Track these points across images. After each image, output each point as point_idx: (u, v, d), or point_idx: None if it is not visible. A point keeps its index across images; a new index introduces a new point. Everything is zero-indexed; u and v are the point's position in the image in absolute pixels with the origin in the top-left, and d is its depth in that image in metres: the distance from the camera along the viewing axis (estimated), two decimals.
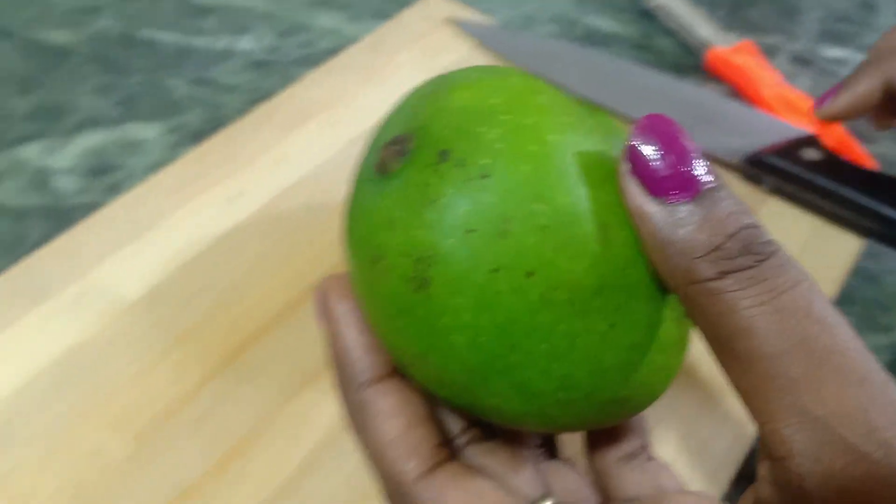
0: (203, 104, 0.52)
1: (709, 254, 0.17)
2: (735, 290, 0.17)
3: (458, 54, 0.54)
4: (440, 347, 0.19)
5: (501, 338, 0.18)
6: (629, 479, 0.23)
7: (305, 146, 0.48)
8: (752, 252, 0.17)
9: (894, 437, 0.16)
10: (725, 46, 0.57)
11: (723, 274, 0.17)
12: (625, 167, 0.18)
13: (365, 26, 0.58)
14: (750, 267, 0.17)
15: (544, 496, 0.21)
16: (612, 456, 0.24)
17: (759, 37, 0.61)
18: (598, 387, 0.19)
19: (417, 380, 0.21)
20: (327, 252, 0.43)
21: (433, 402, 0.23)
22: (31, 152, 0.48)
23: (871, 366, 0.17)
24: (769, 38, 0.62)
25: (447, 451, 0.21)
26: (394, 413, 0.21)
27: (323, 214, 0.45)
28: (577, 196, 0.18)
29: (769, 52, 0.60)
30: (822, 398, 0.16)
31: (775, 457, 0.17)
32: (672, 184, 0.17)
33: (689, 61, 0.58)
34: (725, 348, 0.17)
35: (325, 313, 0.22)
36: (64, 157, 0.48)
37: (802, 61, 0.60)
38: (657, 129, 0.18)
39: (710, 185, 0.17)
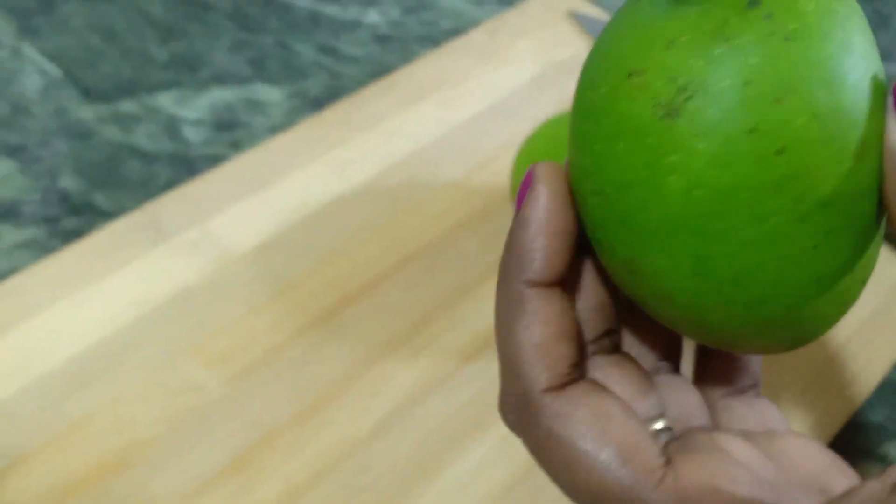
0: (326, 72, 0.55)
1: None
2: None
3: (575, 48, 0.55)
4: (651, 183, 0.18)
5: (717, 200, 0.18)
6: (737, 412, 0.23)
7: (417, 124, 0.50)
8: None
9: None
10: None
11: None
12: (891, 101, 0.18)
13: (487, 10, 0.60)
14: None
15: (659, 415, 0.21)
16: (723, 389, 0.23)
17: None
18: (772, 296, 0.19)
19: (596, 217, 0.20)
20: (428, 225, 0.45)
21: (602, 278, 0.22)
22: (165, 100, 0.52)
23: None
24: None
25: (580, 372, 0.21)
26: (547, 320, 0.20)
27: (427, 190, 0.47)
28: (858, 102, 0.18)
29: None
30: None
31: None
32: None
33: None
34: None
35: (526, 197, 0.21)
36: (195, 108, 0.52)
37: None
38: None
39: None
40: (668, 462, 0.19)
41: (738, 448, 0.21)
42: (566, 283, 0.21)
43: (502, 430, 0.38)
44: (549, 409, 0.20)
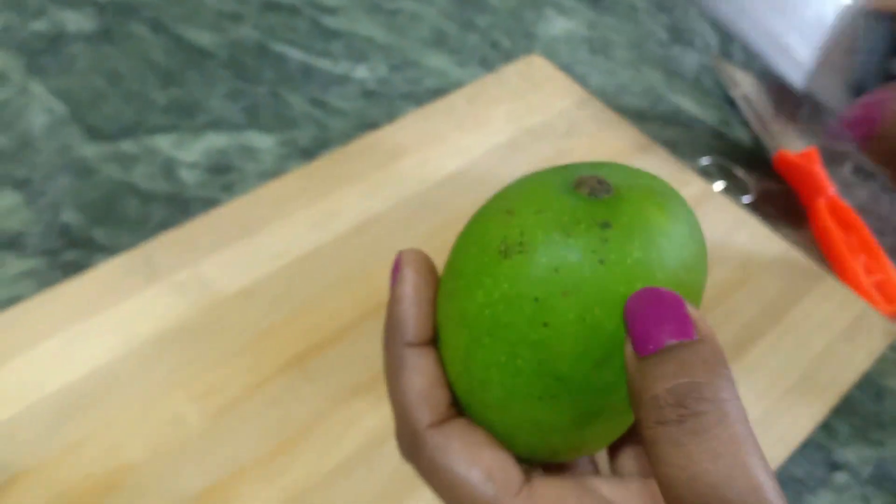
0: (315, 123, 0.59)
1: (650, 400, 0.21)
2: (661, 444, 0.21)
3: (545, 116, 0.60)
4: (472, 285, 0.24)
5: (495, 322, 0.23)
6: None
7: (397, 182, 0.54)
8: (681, 405, 0.20)
9: None
10: (793, 150, 0.61)
11: (656, 424, 0.21)
12: (628, 321, 0.22)
13: (469, 72, 0.64)
14: (675, 422, 0.20)
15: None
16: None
17: (830, 143, 0.65)
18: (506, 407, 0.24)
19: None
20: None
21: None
22: (163, 143, 0.56)
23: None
24: (839, 145, 0.65)
25: (457, 411, 0.26)
26: (424, 371, 0.25)
27: (400, 245, 0.51)
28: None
29: (835, 160, 0.64)
30: None
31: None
32: (645, 339, 0.21)
33: (759, 155, 0.63)
34: (664, 494, 0.21)
35: (396, 277, 0.26)
36: (191, 152, 0.56)
37: (864, 174, 0.64)
38: (640, 300, 0.22)
39: (672, 340, 0.21)
40: (528, 480, 0.24)
41: (603, 485, 0.25)
42: (433, 342, 0.26)
43: None
44: (430, 442, 0.24)
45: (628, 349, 0.22)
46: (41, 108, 0.57)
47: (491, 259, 0.23)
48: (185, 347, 0.45)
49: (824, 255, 0.60)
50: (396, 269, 0.26)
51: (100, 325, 0.45)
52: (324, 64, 0.63)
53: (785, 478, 0.47)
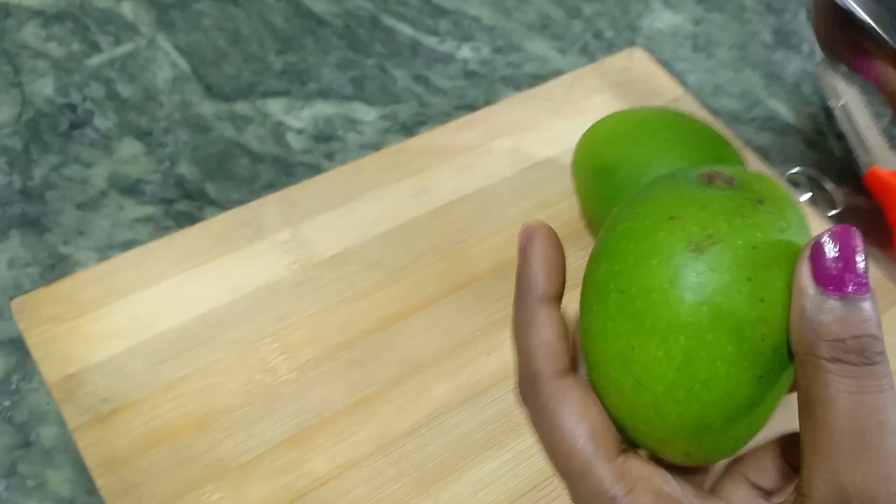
0: (416, 100, 0.61)
1: (833, 342, 0.23)
2: (836, 374, 0.23)
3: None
4: (671, 292, 0.25)
5: (714, 318, 0.25)
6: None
7: (490, 162, 0.57)
8: (863, 355, 0.23)
9: None
10: (888, 167, 0.61)
11: (834, 359, 0.23)
12: (806, 252, 0.24)
13: (570, 60, 0.66)
14: (855, 364, 0.23)
15: None
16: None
17: None
18: (720, 403, 0.25)
19: (611, 311, 0.26)
20: (484, 257, 0.52)
21: None
22: (275, 107, 0.59)
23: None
24: None
25: (575, 366, 0.28)
26: (551, 325, 0.27)
27: (488, 224, 0.54)
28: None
29: None
30: (852, 473, 0.23)
31: (802, 493, 0.24)
32: (833, 281, 0.23)
33: (851, 170, 0.63)
34: (809, 410, 0.24)
35: (527, 241, 0.28)
36: (299, 118, 0.59)
37: None
38: (842, 238, 0.24)
39: (859, 294, 0.23)
40: (624, 452, 0.27)
41: (688, 491, 0.28)
42: (559, 301, 0.29)
43: (517, 447, 0.45)
44: (548, 388, 0.27)
45: (806, 278, 0.24)
46: (167, 63, 0.61)
47: (685, 260, 0.25)
48: (282, 303, 0.49)
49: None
50: (525, 235, 0.28)
51: (207, 274, 0.50)
52: (430, 41, 0.65)
53: None
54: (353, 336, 0.48)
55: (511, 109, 0.60)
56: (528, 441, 0.45)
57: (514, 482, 0.44)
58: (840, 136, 0.65)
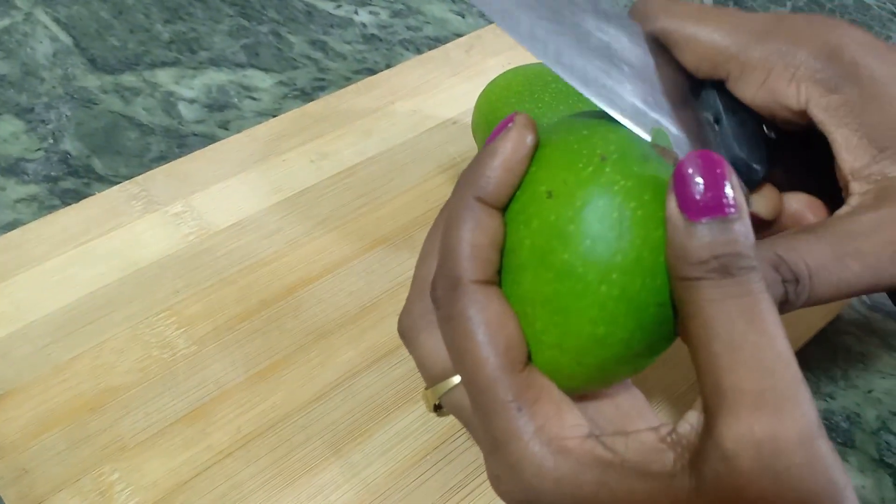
0: (314, 65, 0.60)
1: (697, 263, 0.23)
2: (705, 289, 0.23)
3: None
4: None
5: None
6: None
7: (391, 125, 0.56)
8: (727, 271, 0.23)
9: (785, 468, 0.22)
10: None
11: (699, 278, 0.23)
12: (671, 183, 0.24)
13: (469, 22, 0.65)
14: (721, 277, 0.23)
15: None
16: None
17: None
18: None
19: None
20: (387, 220, 0.51)
21: None
22: (164, 77, 0.57)
23: (793, 391, 0.22)
24: None
25: (499, 280, 0.27)
26: (487, 230, 0.26)
27: (390, 188, 0.53)
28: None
29: None
30: (757, 421, 0.22)
31: (710, 432, 0.23)
32: (697, 207, 0.23)
33: None
34: (689, 329, 0.24)
35: (503, 132, 0.26)
36: (191, 87, 0.57)
37: None
38: (704, 164, 0.24)
39: (725, 216, 0.23)
40: (529, 366, 0.26)
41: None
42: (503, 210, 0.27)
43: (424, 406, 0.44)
44: (470, 293, 0.25)
45: (673, 207, 0.24)
46: (46, 37, 0.58)
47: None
48: (177, 276, 0.47)
49: None
50: (504, 124, 0.26)
51: (96, 251, 0.47)
52: (327, 6, 0.64)
53: None
54: (253, 306, 0.47)
55: (410, 72, 0.59)
56: None
57: (426, 437, 0.43)
58: None
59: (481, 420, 0.26)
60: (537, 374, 0.26)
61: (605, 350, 0.25)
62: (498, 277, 0.27)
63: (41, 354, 0.43)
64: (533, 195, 0.26)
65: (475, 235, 0.26)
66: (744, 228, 0.23)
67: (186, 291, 0.47)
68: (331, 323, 0.47)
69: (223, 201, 0.50)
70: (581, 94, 0.48)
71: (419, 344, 0.29)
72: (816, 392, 0.51)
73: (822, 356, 0.53)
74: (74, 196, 0.50)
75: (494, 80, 0.52)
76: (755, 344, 0.23)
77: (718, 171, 0.24)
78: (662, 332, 0.26)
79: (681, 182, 0.24)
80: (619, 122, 0.28)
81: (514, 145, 0.26)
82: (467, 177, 0.26)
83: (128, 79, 0.56)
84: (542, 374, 0.26)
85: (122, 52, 0.58)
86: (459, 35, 0.63)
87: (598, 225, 0.25)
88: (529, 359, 0.27)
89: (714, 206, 0.23)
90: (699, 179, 0.24)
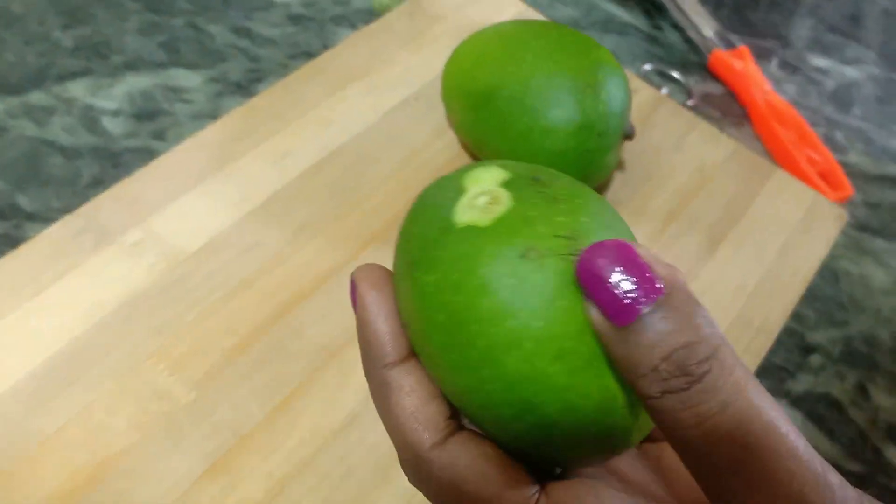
0: (244, 54, 0.54)
1: (650, 373, 0.19)
2: (672, 412, 0.19)
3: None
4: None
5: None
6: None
7: (349, 111, 0.50)
8: (685, 373, 0.19)
9: None
10: (726, 48, 0.61)
11: (661, 394, 0.19)
12: (583, 289, 0.20)
13: None
14: (682, 390, 0.19)
15: None
16: None
17: (755, 40, 0.65)
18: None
19: (434, 353, 0.22)
20: (372, 216, 0.46)
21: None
22: (78, 90, 0.50)
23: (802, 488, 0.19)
24: (765, 42, 0.66)
25: (456, 422, 0.24)
26: (412, 390, 0.23)
27: (366, 180, 0.48)
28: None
29: (762, 56, 0.65)
30: None
31: None
32: (614, 310, 0.19)
33: (695, 58, 0.62)
34: (678, 452, 0.20)
35: (356, 300, 0.24)
36: (111, 97, 0.50)
37: (791, 68, 0.65)
38: (606, 256, 0.20)
39: (645, 306, 0.19)
40: (543, 489, 0.22)
41: (627, 465, 0.24)
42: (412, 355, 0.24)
43: None
44: (435, 463, 0.22)
45: (596, 316, 0.20)
46: None
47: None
48: (152, 315, 0.41)
49: (769, 152, 0.60)
50: (354, 291, 0.24)
51: (52, 300, 0.40)
52: None
53: (767, 366, 0.48)
54: (247, 334, 0.41)
55: (354, 50, 0.54)
56: None
57: None
58: (677, 28, 0.64)
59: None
60: (553, 500, 0.23)
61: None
62: (452, 423, 0.23)
63: (21, 430, 0.37)
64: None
65: (406, 404, 0.23)
66: (685, 306, 0.20)
67: (167, 331, 0.41)
68: (339, 337, 0.42)
69: (185, 221, 0.44)
70: (568, 51, 0.45)
71: None
72: (831, 321, 0.50)
73: (826, 284, 0.52)
74: (6, 242, 0.43)
75: (462, 45, 0.48)
76: (763, 470, 0.19)
77: (623, 254, 0.20)
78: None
79: (589, 283, 0.20)
80: None
81: (374, 299, 0.24)
82: (363, 355, 0.24)
83: (36, 97, 0.49)
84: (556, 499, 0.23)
85: (22, 68, 0.50)
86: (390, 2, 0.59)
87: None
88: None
89: (635, 300, 0.19)
90: (605, 275, 0.20)
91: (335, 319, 0.42)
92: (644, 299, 0.19)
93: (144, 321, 0.41)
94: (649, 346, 0.19)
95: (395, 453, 0.39)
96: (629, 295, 0.19)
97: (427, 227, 0.22)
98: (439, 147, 0.50)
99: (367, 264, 0.24)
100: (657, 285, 0.19)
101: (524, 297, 0.20)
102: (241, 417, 0.39)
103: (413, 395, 0.23)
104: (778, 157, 0.60)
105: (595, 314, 0.20)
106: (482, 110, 0.45)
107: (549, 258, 0.20)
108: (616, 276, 0.19)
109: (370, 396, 0.40)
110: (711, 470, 0.19)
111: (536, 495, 0.22)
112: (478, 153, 0.48)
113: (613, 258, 0.20)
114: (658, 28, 0.64)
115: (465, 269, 0.21)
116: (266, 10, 0.57)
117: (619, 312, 0.19)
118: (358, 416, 0.40)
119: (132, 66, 0.51)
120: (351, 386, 0.40)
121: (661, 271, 0.20)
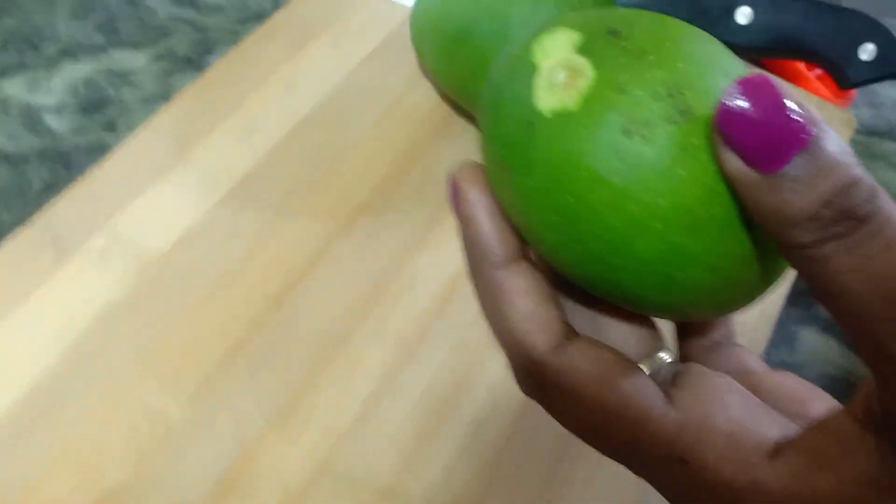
0: (189, 25, 0.49)
1: (806, 222, 0.17)
2: (832, 257, 0.17)
3: None
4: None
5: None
6: (717, 362, 0.25)
7: (313, 71, 0.46)
8: (848, 217, 0.17)
9: None
10: None
11: (819, 242, 0.17)
12: (718, 138, 0.18)
13: None
14: (845, 235, 0.17)
15: (654, 350, 0.23)
16: (701, 343, 0.25)
17: None
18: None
19: (552, 249, 0.22)
20: (356, 185, 0.42)
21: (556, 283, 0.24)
22: (13, 88, 0.45)
23: None
24: None
25: (571, 326, 0.23)
26: (526, 291, 0.22)
27: (344, 144, 0.44)
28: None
29: None
30: None
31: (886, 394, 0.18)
32: (765, 154, 0.17)
33: None
34: (829, 303, 0.18)
35: (459, 199, 0.23)
36: (51, 92, 0.45)
37: None
38: (750, 90, 0.18)
39: (804, 146, 0.17)
40: (668, 396, 0.21)
41: (726, 381, 0.22)
42: (524, 252, 0.23)
43: (501, 363, 0.37)
44: (551, 368, 0.21)
45: (738, 167, 0.18)
46: None
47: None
48: (132, 327, 0.37)
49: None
50: (455, 191, 0.23)
51: (20, 324, 0.36)
52: None
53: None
54: (240, 333, 0.37)
55: (309, 5, 0.49)
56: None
57: (506, 417, 0.36)
58: None
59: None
60: (684, 412, 0.21)
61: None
62: (569, 326, 0.23)
63: (3, 472, 0.33)
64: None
65: (518, 307, 0.22)
66: (838, 146, 0.17)
67: (150, 343, 0.37)
68: (340, 323, 0.38)
69: (152, 217, 0.40)
70: None
71: None
72: None
73: None
74: None
75: None
76: None
77: (769, 90, 0.18)
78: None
79: (733, 128, 0.18)
80: None
81: (479, 198, 0.23)
82: (469, 257, 0.23)
83: None
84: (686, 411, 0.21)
85: None
86: None
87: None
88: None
89: (790, 139, 0.17)
90: (755, 114, 0.18)
91: (334, 302, 0.39)
92: (795, 140, 0.17)
93: (124, 336, 0.37)
94: (807, 190, 0.17)
95: (420, 443, 0.35)
96: (779, 135, 0.17)
97: (511, 123, 0.20)
98: (417, 98, 0.46)
99: (469, 163, 0.23)
100: (806, 126, 0.17)
101: (639, 176, 0.19)
102: (245, 428, 0.35)
103: (527, 297, 0.22)
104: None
105: (736, 165, 0.18)
106: (459, 52, 0.41)
107: (654, 127, 0.18)
108: (763, 115, 0.17)
109: (385, 379, 0.37)
110: (877, 320, 0.18)
111: (663, 407, 0.21)
112: (459, 100, 0.43)
113: (755, 97, 0.18)
114: None
115: (568, 164, 0.19)
116: None
117: (771, 156, 0.17)
118: (371, 411, 0.36)
119: (69, 53, 0.47)
120: (360, 376, 0.37)
121: (811, 113, 0.18)
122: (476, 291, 0.23)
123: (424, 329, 0.38)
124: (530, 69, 0.20)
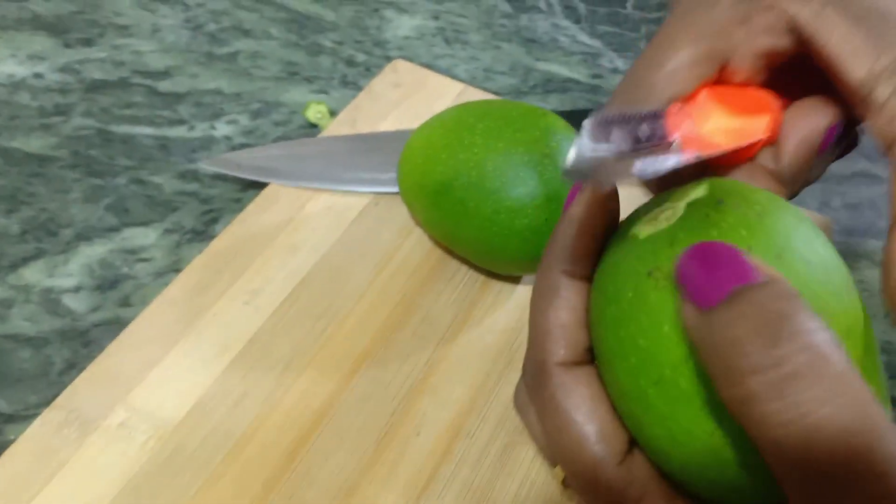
0: (194, 198, 0.52)
1: (732, 346, 0.18)
2: (764, 398, 0.17)
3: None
4: None
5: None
6: None
7: (311, 231, 0.49)
8: (775, 345, 0.17)
9: None
10: None
11: (751, 374, 0.17)
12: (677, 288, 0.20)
13: (335, 97, 0.60)
14: (774, 366, 0.17)
15: None
16: None
17: None
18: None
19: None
20: (358, 331, 0.44)
21: None
22: (33, 274, 0.48)
23: None
24: None
25: (590, 357, 0.24)
26: (574, 307, 0.24)
27: (346, 298, 0.46)
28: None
29: None
30: None
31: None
32: (708, 293, 0.19)
33: None
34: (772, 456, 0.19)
35: (573, 198, 0.25)
36: (68, 274, 0.48)
37: None
38: (691, 253, 0.19)
39: (738, 288, 0.18)
40: (631, 450, 0.23)
41: None
42: (588, 280, 0.25)
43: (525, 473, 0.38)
44: (557, 378, 0.23)
45: (688, 311, 0.19)
46: None
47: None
48: (155, 497, 0.38)
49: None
50: (576, 189, 0.25)
51: None
52: (178, 132, 0.56)
53: None
54: (257, 493, 0.39)
55: None
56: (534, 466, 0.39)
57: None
58: (616, 71, 0.64)
59: None
60: (643, 463, 0.23)
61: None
62: (589, 355, 0.24)
63: None
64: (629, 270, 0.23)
65: (562, 315, 0.24)
66: (774, 290, 0.19)
67: None
68: (352, 473, 0.40)
69: (168, 388, 0.42)
70: (515, 126, 0.44)
71: (529, 423, 0.26)
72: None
73: None
74: None
75: (410, 142, 0.47)
76: None
77: (724, 248, 0.20)
78: None
79: (686, 273, 0.20)
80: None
81: (586, 207, 0.24)
82: (549, 251, 0.25)
83: None
84: (646, 463, 0.23)
85: None
86: (333, 114, 0.58)
87: None
88: (633, 442, 0.24)
89: (719, 283, 0.19)
90: (709, 262, 0.19)
91: (343, 456, 0.40)
92: (734, 282, 0.19)
93: None
94: (733, 321, 0.18)
95: None
96: (718, 277, 0.19)
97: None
98: (410, 246, 0.49)
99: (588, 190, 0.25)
100: (751, 272, 0.19)
101: (636, 312, 0.21)
102: None
103: (573, 312, 0.24)
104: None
105: (685, 308, 0.19)
106: (443, 203, 0.44)
107: (670, 279, 0.21)
108: (707, 263, 0.19)
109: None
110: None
111: (624, 456, 0.23)
112: (449, 245, 0.46)
113: (710, 252, 0.19)
114: (598, 76, 0.64)
115: (608, 273, 0.23)
116: (208, 149, 0.56)
117: (704, 293, 0.19)
118: None
119: (84, 236, 0.50)
120: None
121: (767, 268, 0.19)
122: (537, 283, 0.25)
123: (432, 471, 0.40)
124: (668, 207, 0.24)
